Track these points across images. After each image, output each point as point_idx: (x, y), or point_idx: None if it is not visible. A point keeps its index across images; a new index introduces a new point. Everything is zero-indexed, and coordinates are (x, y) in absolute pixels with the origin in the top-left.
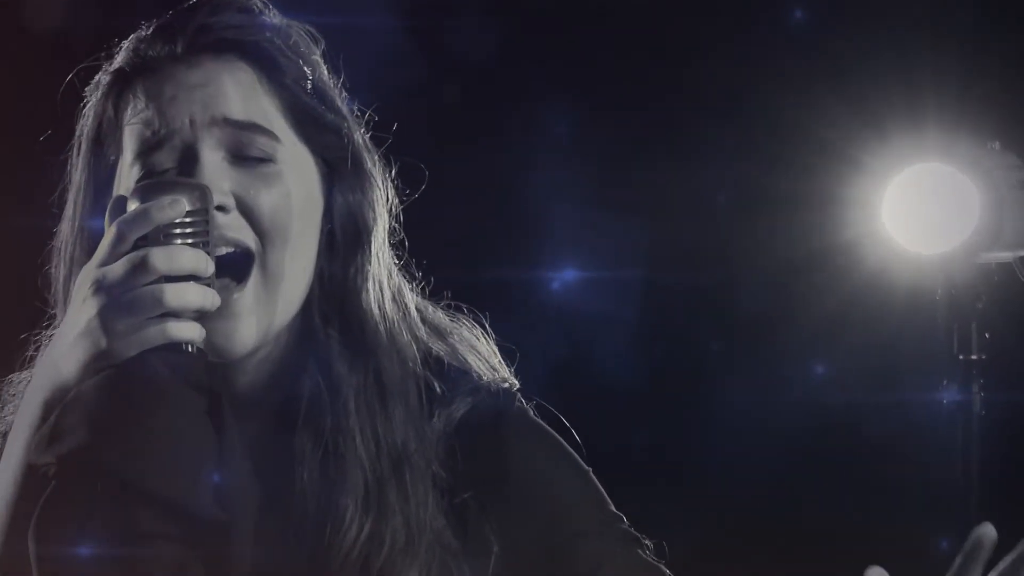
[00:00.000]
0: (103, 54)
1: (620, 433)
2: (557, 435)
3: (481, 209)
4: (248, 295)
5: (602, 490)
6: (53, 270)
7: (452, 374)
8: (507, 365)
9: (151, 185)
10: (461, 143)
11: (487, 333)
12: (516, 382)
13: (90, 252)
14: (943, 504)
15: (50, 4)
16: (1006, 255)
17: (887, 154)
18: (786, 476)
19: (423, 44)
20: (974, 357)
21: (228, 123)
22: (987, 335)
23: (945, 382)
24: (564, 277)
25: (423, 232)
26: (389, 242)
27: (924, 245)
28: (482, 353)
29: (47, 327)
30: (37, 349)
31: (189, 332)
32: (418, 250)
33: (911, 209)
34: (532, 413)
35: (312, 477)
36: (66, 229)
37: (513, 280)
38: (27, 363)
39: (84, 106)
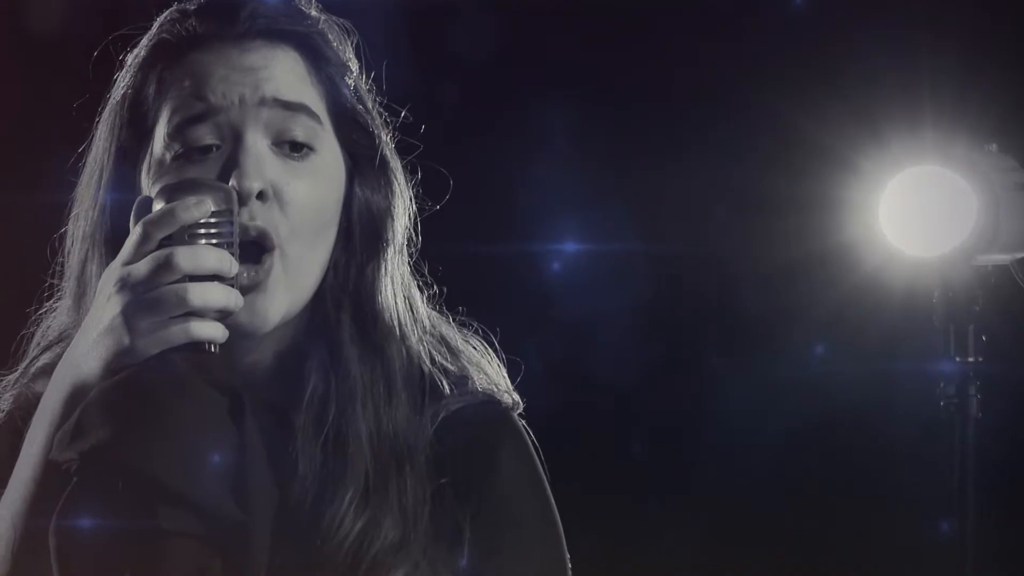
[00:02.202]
0: (141, 26)
1: (613, 435)
2: (541, 466)
3: (475, 208)
4: (271, 273)
5: (560, 531)
6: (68, 243)
7: (455, 379)
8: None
9: (177, 185)
10: (458, 140)
11: (498, 354)
12: (520, 400)
13: (109, 230)
14: (940, 507)
15: None
16: (1003, 258)
17: (883, 156)
18: (782, 477)
19: (420, 34)
20: (971, 360)
21: (278, 103)
22: (984, 338)
23: (942, 385)
24: (557, 275)
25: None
26: (407, 251)
27: (921, 248)
28: (489, 374)
29: (47, 299)
30: (36, 325)
31: (211, 332)
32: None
33: (907, 212)
34: (527, 434)
35: (313, 464)
36: (86, 200)
37: (502, 284)
38: (26, 343)
39: (121, 74)
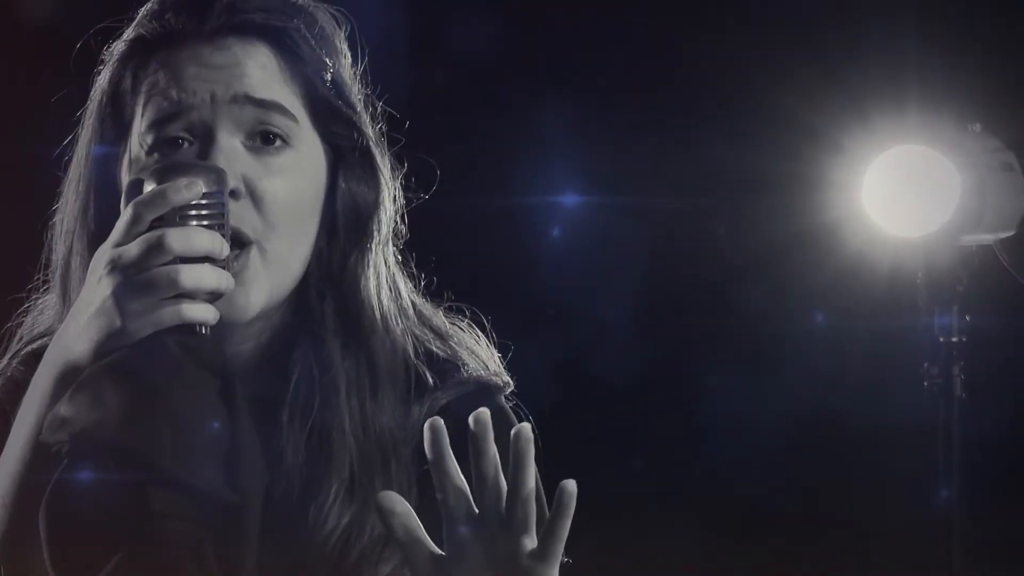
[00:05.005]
0: (124, 18)
1: (605, 426)
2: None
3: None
4: (249, 266)
5: (545, 505)
6: (53, 242)
7: (444, 367)
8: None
9: (168, 167)
10: (451, 137)
11: (489, 335)
12: (510, 381)
13: (92, 227)
14: (924, 487)
15: None
16: (987, 238)
17: (867, 136)
18: (765, 459)
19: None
20: (955, 340)
21: (249, 100)
22: (967, 318)
23: (926, 365)
24: (547, 265)
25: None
26: (394, 243)
27: (904, 228)
28: (481, 356)
29: (34, 294)
30: (24, 314)
31: (203, 313)
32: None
33: (891, 191)
34: (512, 414)
35: (298, 458)
36: (69, 196)
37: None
38: (12, 333)
39: (99, 71)
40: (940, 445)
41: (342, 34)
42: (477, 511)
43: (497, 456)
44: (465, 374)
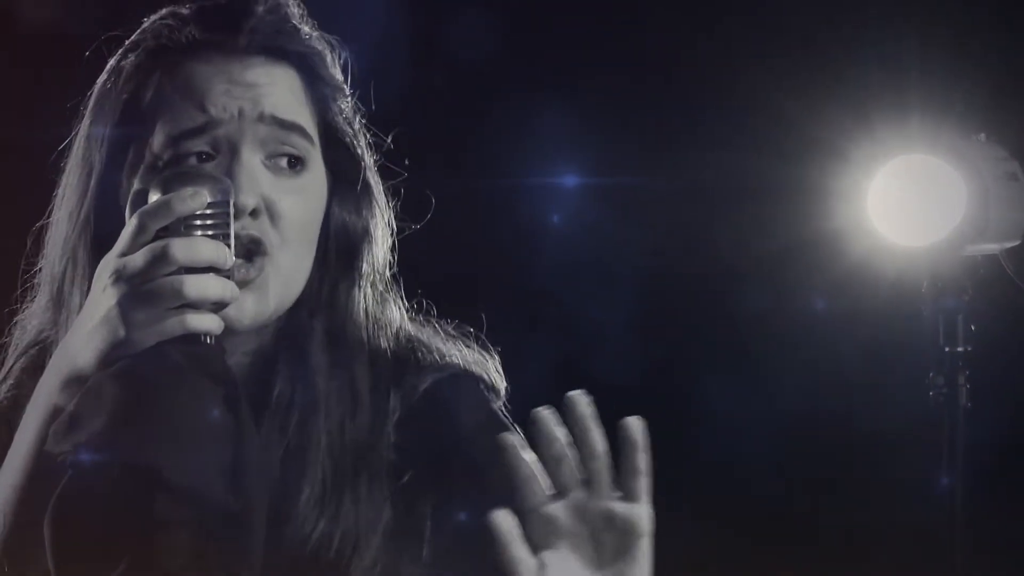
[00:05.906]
0: (139, 26)
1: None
2: (509, 427)
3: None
4: (263, 272)
5: None
6: (48, 242)
7: (426, 359)
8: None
9: (173, 176)
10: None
11: (492, 353)
12: (495, 384)
13: (93, 236)
14: (928, 495)
15: None
16: (992, 247)
17: (872, 145)
18: (770, 466)
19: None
20: (960, 349)
21: (275, 121)
22: (973, 327)
23: (931, 374)
24: (547, 267)
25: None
26: (389, 273)
27: (910, 237)
28: (482, 364)
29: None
30: (12, 329)
31: (207, 323)
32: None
33: (896, 201)
34: (491, 400)
35: (273, 469)
36: (71, 202)
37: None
38: (6, 347)
39: (109, 76)
40: (945, 453)
41: (339, 62)
42: (554, 490)
43: (564, 438)
44: (440, 360)
